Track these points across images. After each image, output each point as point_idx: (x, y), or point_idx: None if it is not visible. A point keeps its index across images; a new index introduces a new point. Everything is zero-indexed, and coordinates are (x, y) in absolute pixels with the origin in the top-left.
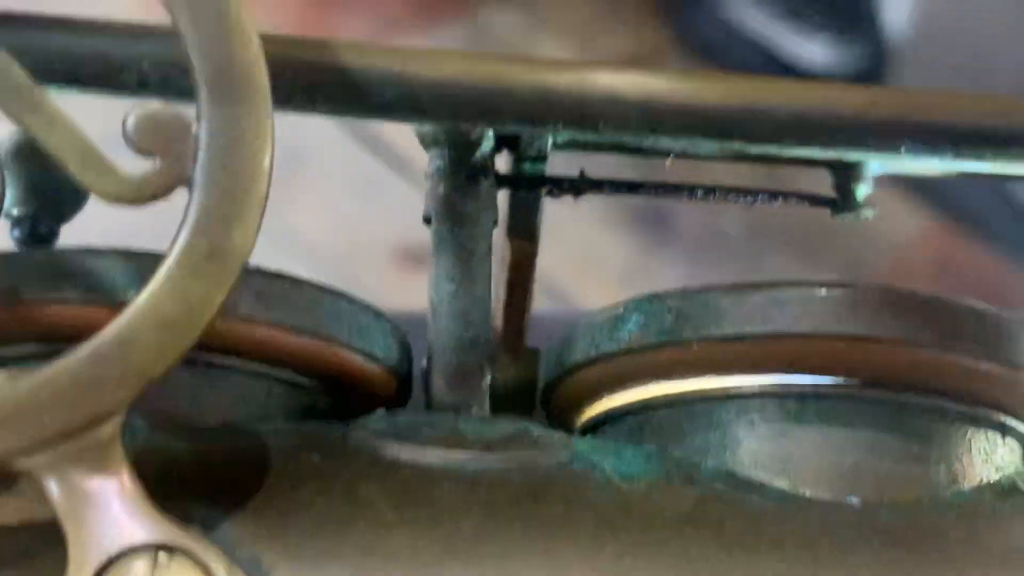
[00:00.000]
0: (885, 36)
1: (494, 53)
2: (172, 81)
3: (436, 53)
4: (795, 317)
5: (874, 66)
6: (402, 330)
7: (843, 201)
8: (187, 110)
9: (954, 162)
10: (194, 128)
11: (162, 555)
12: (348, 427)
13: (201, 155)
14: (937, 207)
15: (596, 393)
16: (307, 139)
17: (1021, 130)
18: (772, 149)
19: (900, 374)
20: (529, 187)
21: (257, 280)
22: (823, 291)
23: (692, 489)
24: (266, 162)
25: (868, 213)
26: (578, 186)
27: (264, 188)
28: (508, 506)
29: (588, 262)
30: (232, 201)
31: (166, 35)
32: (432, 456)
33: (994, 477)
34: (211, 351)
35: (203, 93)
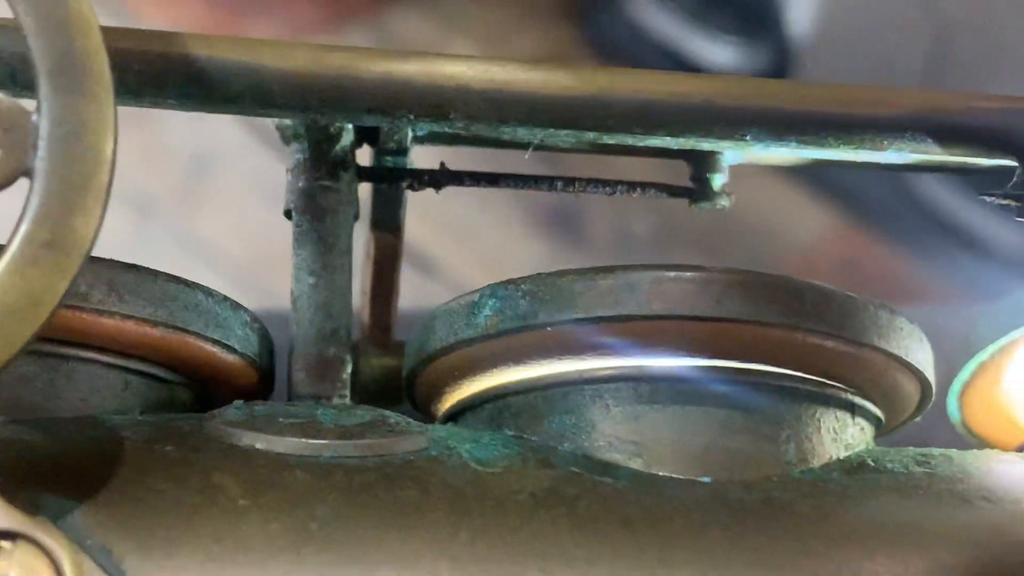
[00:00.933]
0: (789, 37)
1: (345, 45)
2: (18, 74)
3: (285, 44)
4: (646, 299)
5: (778, 67)
6: (262, 322)
7: (700, 190)
8: (30, 103)
9: (800, 149)
10: (34, 118)
11: (5, 542)
12: (204, 418)
13: (41, 145)
14: (842, 207)
15: (456, 379)
16: (215, 145)
17: (861, 117)
18: (622, 138)
19: (749, 354)
20: (390, 180)
21: (110, 271)
22: (672, 274)
23: (547, 471)
24: (108, 151)
25: (724, 202)
26: (438, 179)
27: (106, 177)
28: (363, 492)
29: (499, 264)
30: (73, 190)
31: (8, 27)
32: (287, 444)
33: (843, 455)
34: (66, 344)
35: (43, 82)
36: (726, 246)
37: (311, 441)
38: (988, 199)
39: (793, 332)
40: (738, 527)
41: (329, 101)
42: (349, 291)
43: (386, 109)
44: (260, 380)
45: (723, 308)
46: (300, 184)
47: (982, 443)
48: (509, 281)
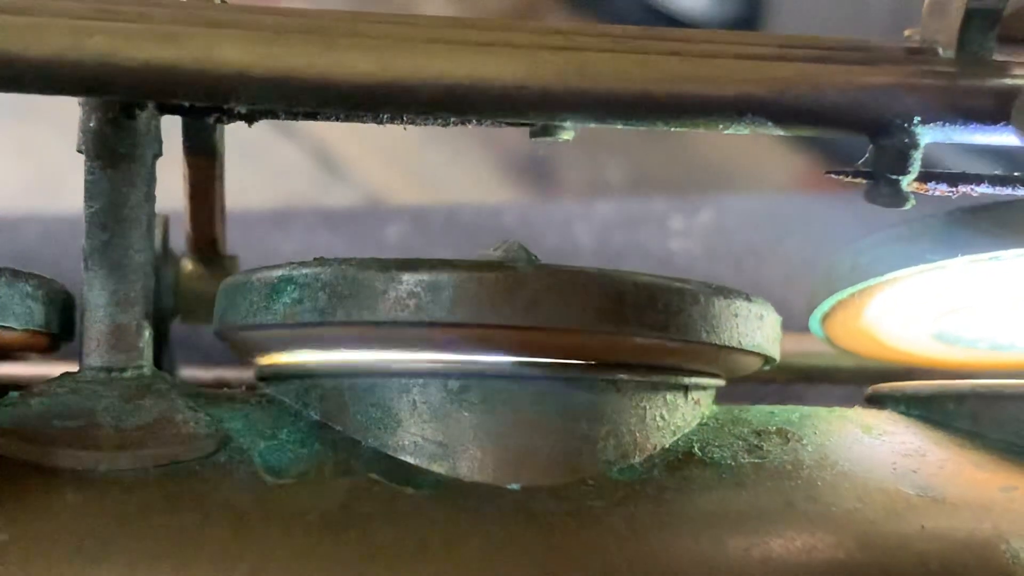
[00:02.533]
0: None
1: (109, 19)
2: None
3: (41, 25)
4: (449, 305)
5: (750, 13)
6: (54, 284)
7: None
8: None
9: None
10: None
11: None
12: None
13: None
14: (818, 152)
15: (261, 351)
16: None
17: (691, 98)
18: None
19: (566, 356)
20: (196, 114)
21: None
22: (478, 276)
23: (343, 481)
24: None
25: (566, 135)
26: (251, 113)
27: None
28: (138, 516)
29: (471, 214)
30: None
31: None
32: (59, 457)
33: (670, 442)
34: None
35: None
36: (699, 192)
37: (86, 453)
38: (836, 177)
39: (613, 336)
40: (542, 547)
41: (87, 88)
42: (148, 246)
43: (156, 96)
44: (52, 340)
45: (535, 315)
46: (92, 124)
47: (845, 352)
48: (311, 264)
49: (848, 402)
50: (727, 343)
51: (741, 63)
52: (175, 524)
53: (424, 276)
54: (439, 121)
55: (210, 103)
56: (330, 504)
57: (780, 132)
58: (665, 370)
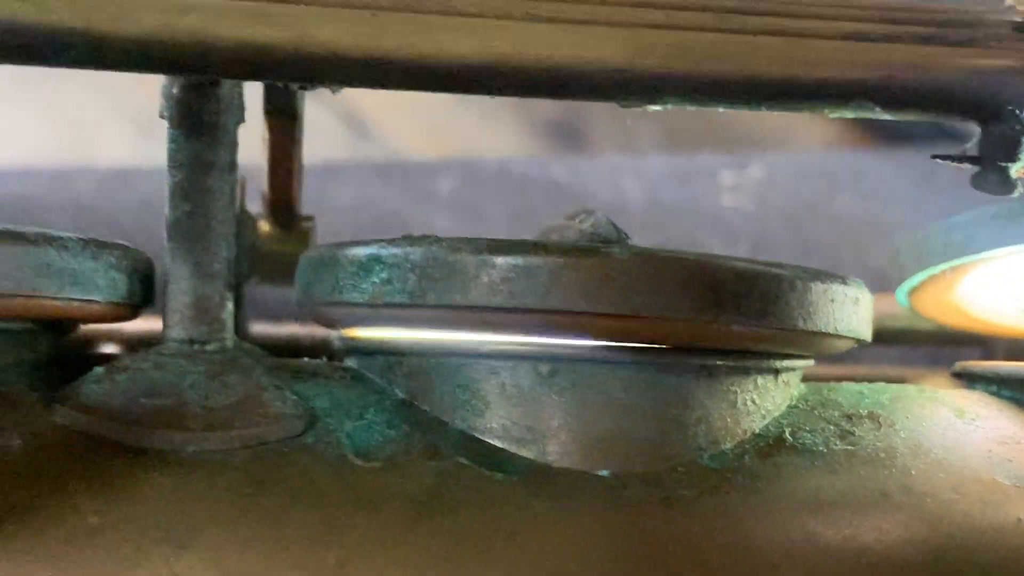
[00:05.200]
0: None
1: None
2: None
3: (127, 2)
4: (543, 291)
5: None
6: (136, 254)
7: None
8: None
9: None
10: None
11: None
12: (57, 397)
13: None
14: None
15: (346, 327)
16: None
17: (798, 81)
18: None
19: (660, 343)
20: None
21: None
22: (574, 261)
23: (432, 464)
24: None
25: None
26: None
27: None
28: (227, 499)
29: (501, 177)
30: None
31: None
32: (146, 438)
33: (761, 427)
34: None
35: None
36: (733, 156)
37: (174, 434)
38: (941, 162)
39: (710, 324)
40: (633, 535)
41: (180, 67)
42: (231, 218)
43: (248, 76)
44: (134, 310)
45: (630, 302)
46: (174, 90)
47: (930, 321)
48: (400, 243)
49: (921, 363)
50: (823, 329)
51: (849, 45)
52: (263, 508)
53: (518, 260)
54: None
55: (303, 83)
56: (418, 489)
57: (888, 117)
58: (758, 355)
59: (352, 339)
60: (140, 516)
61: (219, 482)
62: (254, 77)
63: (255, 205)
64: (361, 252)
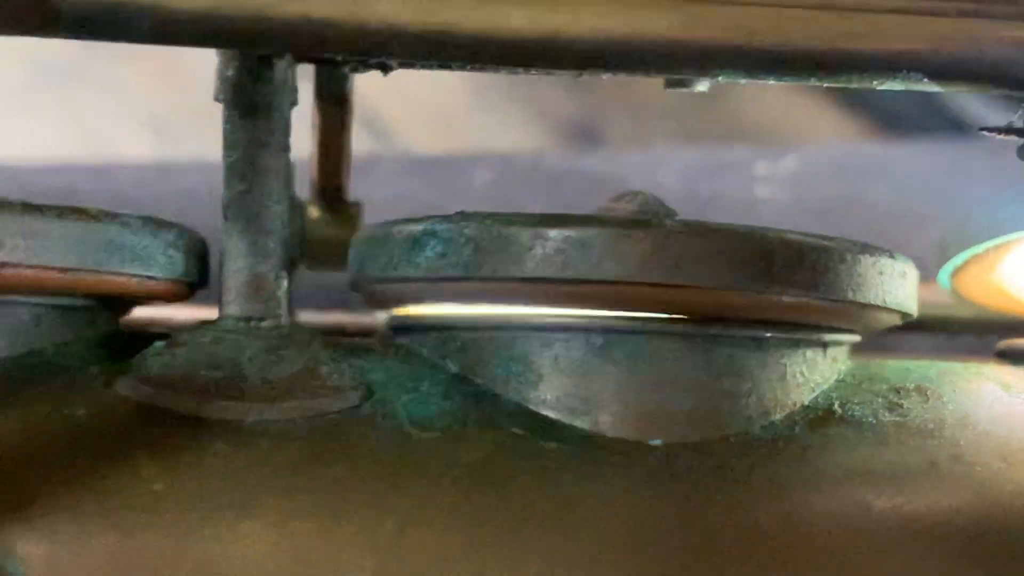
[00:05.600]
0: None
1: None
2: None
3: None
4: (597, 261)
5: None
6: (192, 234)
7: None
8: None
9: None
10: None
11: None
12: (120, 370)
13: None
14: (867, 114)
15: (399, 304)
16: None
17: (846, 53)
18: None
19: (712, 313)
20: (332, 63)
21: (11, 217)
22: (628, 232)
23: (487, 435)
24: None
25: (702, 87)
26: (386, 63)
27: None
28: (287, 469)
29: (519, 171)
30: None
31: None
32: (208, 409)
33: (810, 399)
34: None
35: None
36: (766, 148)
37: (234, 404)
38: (988, 134)
39: (761, 295)
40: (687, 506)
41: (241, 41)
42: (284, 197)
43: (309, 50)
44: (190, 289)
45: (683, 273)
46: (229, 72)
47: (973, 306)
48: (453, 218)
49: (962, 353)
50: (872, 301)
51: (898, 18)
52: (323, 477)
53: (571, 232)
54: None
55: (363, 57)
56: (475, 458)
57: (936, 88)
58: (807, 327)
59: (404, 317)
60: (203, 483)
61: (280, 451)
62: (316, 51)
63: (302, 192)
64: (416, 227)
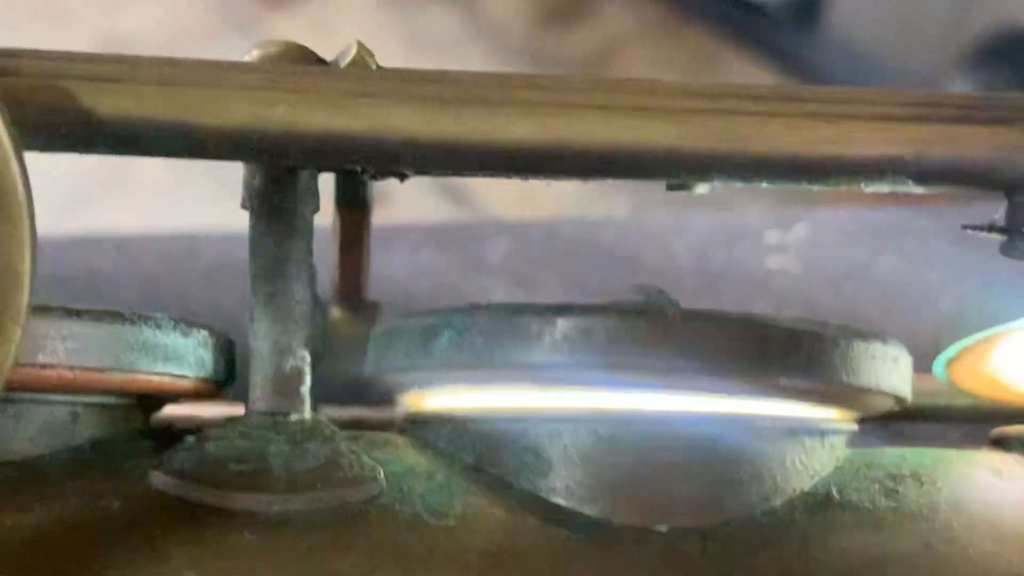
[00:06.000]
0: None
1: (288, 91)
2: None
3: (223, 98)
4: (603, 347)
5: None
6: (222, 334)
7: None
8: None
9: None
10: None
11: None
12: (151, 463)
13: None
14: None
15: (415, 395)
16: None
17: (835, 159)
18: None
19: (712, 395)
20: (352, 171)
21: (51, 322)
22: (630, 321)
23: (500, 522)
24: (24, 270)
25: (702, 190)
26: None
27: (24, 297)
28: (311, 557)
29: (538, 196)
30: None
31: None
32: (235, 500)
33: (808, 486)
34: (11, 390)
35: None
36: (778, 215)
37: (260, 496)
38: (971, 232)
39: (758, 378)
40: None
41: (270, 154)
42: (308, 298)
43: (331, 161)
44: (219, 385)
45: (684, 356)
46: (255, 182)
47: (969, 396)
48: (465, 311)
49: (959, 442)
50: (865, 385)
51: (884, 125)
52: (346, 565)
53: (578, 321)
54: None
55: (380, 168)
56: (489, 544)
57: (919, 190)
58: (804, 418)
59: (419, 412)
60: (230, 569)
61: (303, 539)
62: (337, 162)
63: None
64: (430, 320)
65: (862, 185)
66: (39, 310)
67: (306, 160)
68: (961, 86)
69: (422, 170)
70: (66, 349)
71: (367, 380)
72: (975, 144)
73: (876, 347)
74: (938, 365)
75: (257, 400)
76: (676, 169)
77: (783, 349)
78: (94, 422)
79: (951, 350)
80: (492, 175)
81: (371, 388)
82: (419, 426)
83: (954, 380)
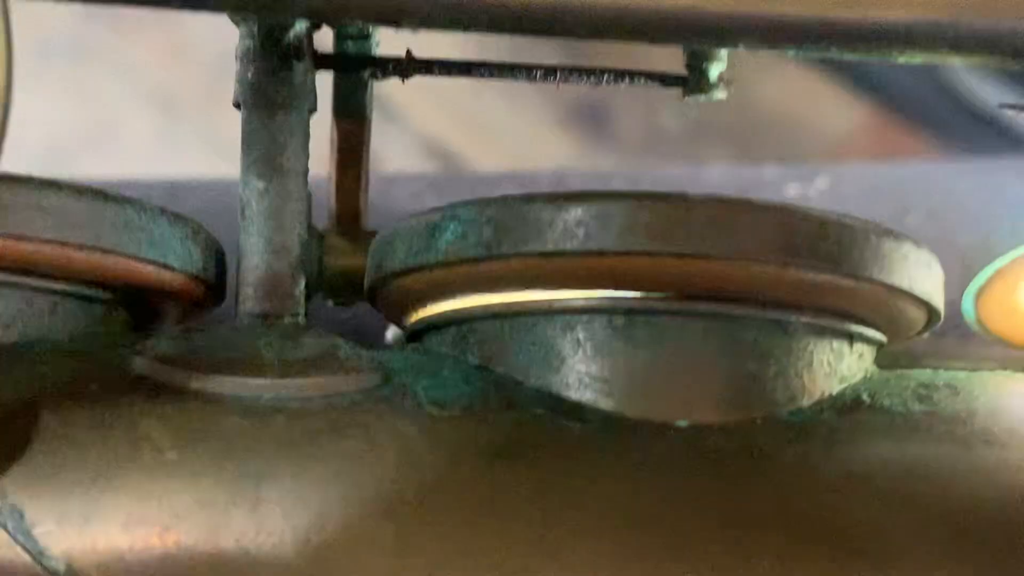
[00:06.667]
0: None
1: None
2: None
3: None
4: (619, 232)
5: None
6: (208, 232)
7: (694, 80)
8: None
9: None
10: None
11: None
12: (134, 349)
13: None
14: (875, 99)
15: (418, 300)
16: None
17: (867, 23)
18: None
19: (734, 290)
20: (351, 69)
21: (28, 191)
22: (648, 204)
23: (509, 415)
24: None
25: (720, 94)
26: (404, 68)
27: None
28: (305, 442)
29: (526, 159)
30: None
31: None
32: (223, 384)
33: (837, 389)
34: None
35: None
36: (757, 141)
37: (250, 380)
38: (1009, 111)
39: (784, 269)
40: (715, 481)
41: (265, 7)
42: (303, 197)
43: (328, 13)
44: (206, 292)
45: (705, 243)
46: (249, 75)
47: (997, 340)
48: (472, 203)
49: None
50: (896, 284)
51: None
52: (341, 450)
53: (593, 206)
54: (592, 79)
55: (382, 23)
56: (496, 436)
57: (955, 59)
58: (831, 314)
59: (420, 320)
60: (218, 454)
61: (297, 425)
62: (335, 17)
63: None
64: (434, 216)
65: (894, 55)
66: (19, 180)
67: (300, 12)
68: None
69: (428, 23)
70: (45, 222)
71: (366, 294)
72: (1014, 9)
73: (909, 248)
74: (967, 300)
75: (246, 301)
76: (694, 31)
77: (811, 238)
78: (74, 316)
79: (981, 276)
80: (499, 31)
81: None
82: (419, 338)
83: (984, 321)
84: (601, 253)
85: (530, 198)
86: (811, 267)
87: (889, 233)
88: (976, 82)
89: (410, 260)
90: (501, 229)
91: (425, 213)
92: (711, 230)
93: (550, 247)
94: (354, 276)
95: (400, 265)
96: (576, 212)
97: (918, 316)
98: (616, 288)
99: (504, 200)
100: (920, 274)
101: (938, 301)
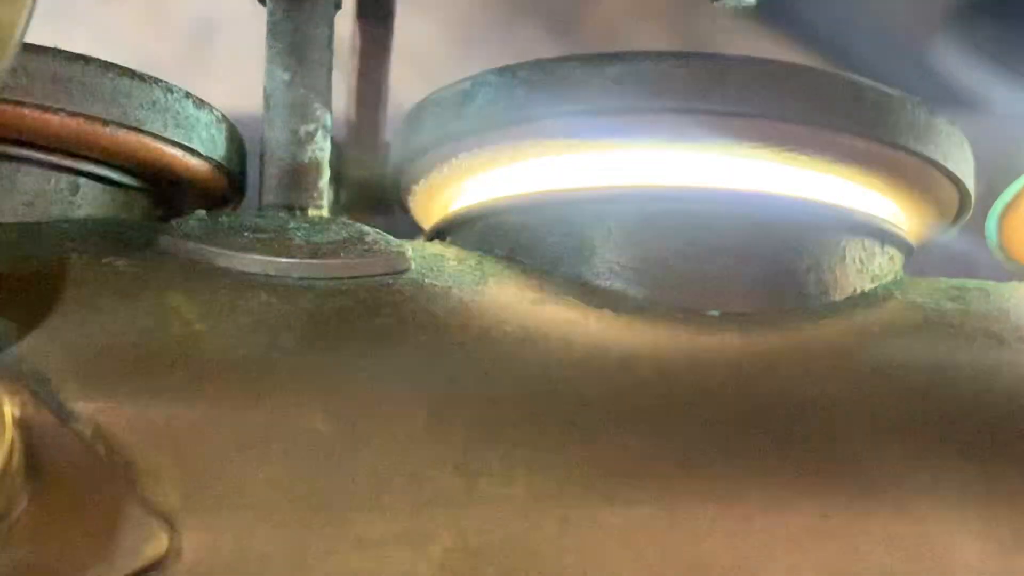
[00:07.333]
0: None
1: None
2: None
3: None
4: (654, 90)
5: None
6: (231, 122)
7: None
8: None
9: None
10: None
11: None
12: (161, 229)
13: None
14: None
15: (445, 186)
16: (220, 10)
17: None
18: None
19: (771, 151)
20: None
21: (56, 63)
22: (686, 61)
23: (540, 298)
24: None
25: (749, 1)
26: None
27: None
28: (333, 319)
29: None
30: None
31: None
32: (251, 262)
33: (869, 287)
34: (6, 142)
35: None
36: (573, 18)
37: (279, 260)
38: None
39: (820, 129)
40: (747, 368)
41: None
42: (328, 89)
43: None
44: (229, 186)
45: (743, 101)
46: None
47: (1018, 266)
48: (505, 68)
49: None
50: (932, 156)
51: None
52: (370, 329)
53: (628, 63)
54: None
55: None
56: (527, 319)
57: None
58: (865, 212)
59: (444, 219)
60: (246, 325)
61: (327, 303)
62: None
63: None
64: (464, 84)
65: None
66: (45, 50)
67: None
68: (945, 46)
69: None
70: (70, 94)
71: (392, 187)
72: None
73: (943, 123)
74: (991, 219)
75: (270, 192)
76: None
77: (849, 101)
78: (96, 199)
79: (1007, 193)
80: None
81: None
82: (444, 238)
83: (1007, 247)
84: (635, 110)
85: (564, 59)
86: (846, 129)
87: (922, 106)
88: (951, 59)
89: (439, 131)
90: (534, 90)
91: (454, 83)
92: (747, 88)
93: (584, 106)
94: (372, 190)
95: (429, 137)
96: (611, 69)
97: (949, 200)
98: (653, 141)
99: (537, 62)
100: (953, 150)
101: (970, 182)
